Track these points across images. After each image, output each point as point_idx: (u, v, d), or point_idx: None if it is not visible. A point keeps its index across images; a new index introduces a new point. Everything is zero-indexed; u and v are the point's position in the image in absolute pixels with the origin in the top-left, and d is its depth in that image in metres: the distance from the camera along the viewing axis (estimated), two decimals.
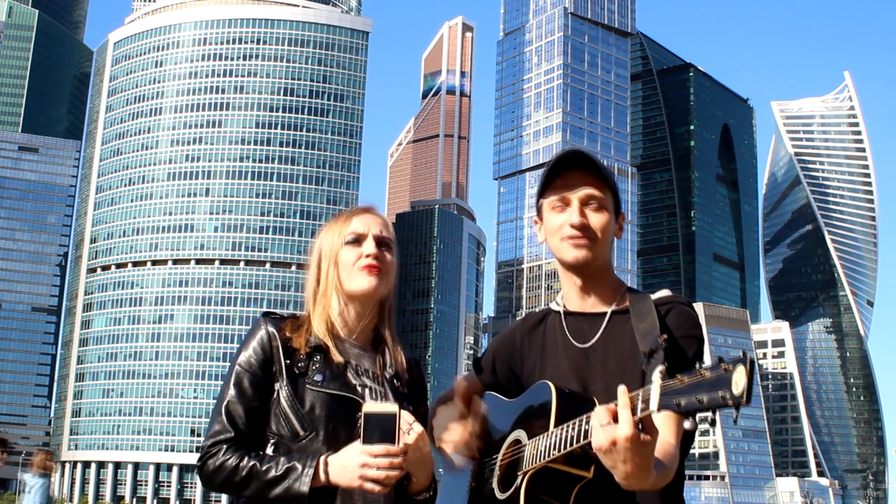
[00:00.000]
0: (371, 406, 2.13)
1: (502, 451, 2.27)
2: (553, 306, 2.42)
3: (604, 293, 2.31)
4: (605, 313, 2.29)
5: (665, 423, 2.04)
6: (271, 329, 2.31)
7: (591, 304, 2.31)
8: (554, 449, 2.00)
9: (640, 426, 1.78)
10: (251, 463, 2.16)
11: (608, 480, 1.92)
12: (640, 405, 1.76)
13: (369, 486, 2.09)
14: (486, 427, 2.39)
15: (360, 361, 2.36)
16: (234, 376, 2.27)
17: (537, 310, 2.52)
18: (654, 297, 2.27)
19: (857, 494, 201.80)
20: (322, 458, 2.15)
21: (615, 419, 1.79)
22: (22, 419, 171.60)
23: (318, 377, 2.27)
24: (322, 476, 2.13)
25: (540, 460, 2.04)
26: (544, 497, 2.09)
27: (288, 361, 2.28)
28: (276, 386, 2.26)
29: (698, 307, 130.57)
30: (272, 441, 2.24)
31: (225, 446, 2.20)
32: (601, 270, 2.30)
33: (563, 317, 2.35)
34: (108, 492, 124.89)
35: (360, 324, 2.38)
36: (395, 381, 2.37)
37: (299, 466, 2.13)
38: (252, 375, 2.27)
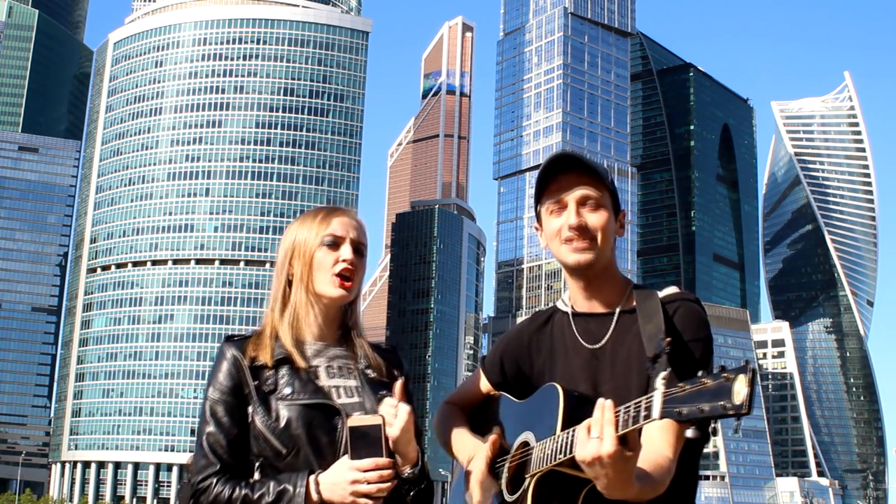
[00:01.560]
0: (355, 420, 2.12)
1: (511, 452, 2.28)
2: (560, 306, 2.41)
3: (610, 292, 2.31)
4: (613, 313, 2.29)
5: (663, 437, 2.05)
6: (235, 353, 2.28)
7: (599, 305, 2.31)
8: (560, 453, 2.01)
9: (623, 442, 1.80)
10: (243, 492, 2.14)
11: None
12: (642, 412, 1.76)
13: (362, 501, 2.10)
14: (496, 429, 2.40)
15: (330, 362, 2.34)
16: (208, 409, 2.25)
17: (542, 309, 2.51)
18: (661, 294, 2.26)
19: (857, 494, 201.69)
20: (312, 478, 2.14)
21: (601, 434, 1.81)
22: (22, 419, 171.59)
23: (287, 390, 2.24)
24: (315, 496, 2.13)
25: (546, 464, 2.06)
26: (552, 500, 2.10)
27: (256, 382, 2.25)
28: (250, 409, 2.23)
29: None
30: (257, 464, 2.22)
31: (214, 479, 2.18)
32: (605, 270, 2.29)
33: (571, 317, 2.35)
34: (108, 492, 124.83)
35: (327, 323, 2.37)
36: (369, 371, 2.36)
37: (290, 488, 2.12)
38: (225, 404, 2.24)
